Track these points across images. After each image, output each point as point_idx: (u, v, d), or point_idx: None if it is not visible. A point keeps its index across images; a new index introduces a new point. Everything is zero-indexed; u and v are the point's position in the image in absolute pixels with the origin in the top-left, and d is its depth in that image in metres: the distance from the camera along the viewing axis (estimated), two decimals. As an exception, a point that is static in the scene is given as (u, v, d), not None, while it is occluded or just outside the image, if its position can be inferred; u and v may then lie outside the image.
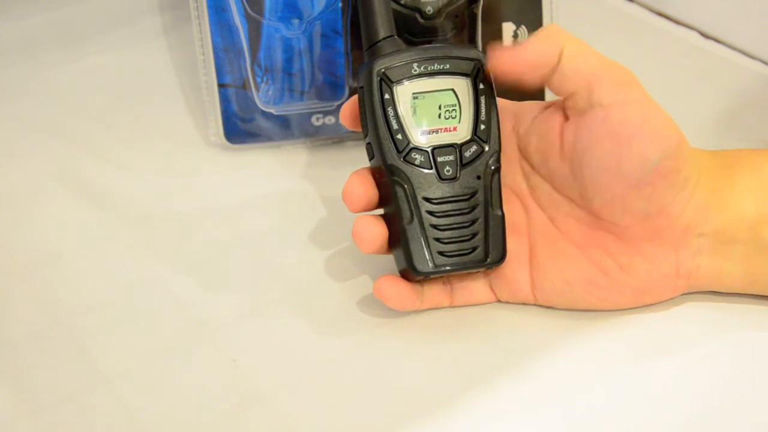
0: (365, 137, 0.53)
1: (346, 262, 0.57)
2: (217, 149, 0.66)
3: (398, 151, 0.51)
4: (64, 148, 0.67)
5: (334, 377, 0.51)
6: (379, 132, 0.51)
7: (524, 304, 0.54)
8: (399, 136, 0.51)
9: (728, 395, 0.49)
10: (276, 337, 0.53)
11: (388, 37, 0.53)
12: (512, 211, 0.54)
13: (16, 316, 0.55)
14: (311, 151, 0.66)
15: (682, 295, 0.53)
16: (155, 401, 0.50)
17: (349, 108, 0.54)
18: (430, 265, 0.51)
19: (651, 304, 0.53)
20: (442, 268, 0.51)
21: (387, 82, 0.52)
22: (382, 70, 0.52)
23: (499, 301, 0.54)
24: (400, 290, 0.52)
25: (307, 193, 0.63)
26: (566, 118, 0.51)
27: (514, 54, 0.50)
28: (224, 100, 0.65)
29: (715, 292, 0.53)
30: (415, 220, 0.51)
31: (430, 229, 0.51)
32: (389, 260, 0.54)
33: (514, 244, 0.53)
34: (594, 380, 0.50)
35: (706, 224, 0.51)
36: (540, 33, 0.51)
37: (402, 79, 0.52)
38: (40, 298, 0.56)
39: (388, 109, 0.52)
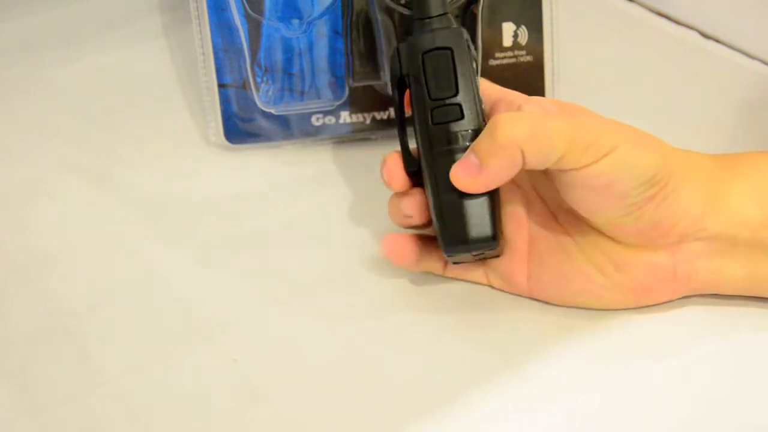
0: (450, 98, 0.52)
1: (346, 262, 0.57)
2: (217, 149, 0.66)
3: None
4: (64, 148, 0.67)
5: (334, 377, 0.51)
6: (476, 93, 0.52)
7: (518, 295, 0.54)
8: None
9: (727, 396, 0.49)
10: (276, 337, 0.53)
11: (443, 14, 0.54)
12: (514, 201, 0.54)
13: (16, 316, 0.55)
14: (311, 151, 0.66)
15: (682, 297, 0.53)
16: (155, 401, 0.50)
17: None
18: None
19: (649, 306, 0.53)
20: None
21: (470, 46, 0.53)
22: (466, 36, 0.53)
23: (491, 286, 0.54)
24: (402, 243, 0.53)
25: (307, 193, 0.63)
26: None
27: (482, 183, 0.50)
28: (224, 100, 0.65)
29: (715, 294, 0.53)
30: None
31: None
32: (391, 263, 0.54)
33: (513, 233, 0.53)
34: (594, 380, 0.50)
35: (702, 230, 0.50)
36: (493, 145, 0.49)
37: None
38: (40, 298, 0.56)
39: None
